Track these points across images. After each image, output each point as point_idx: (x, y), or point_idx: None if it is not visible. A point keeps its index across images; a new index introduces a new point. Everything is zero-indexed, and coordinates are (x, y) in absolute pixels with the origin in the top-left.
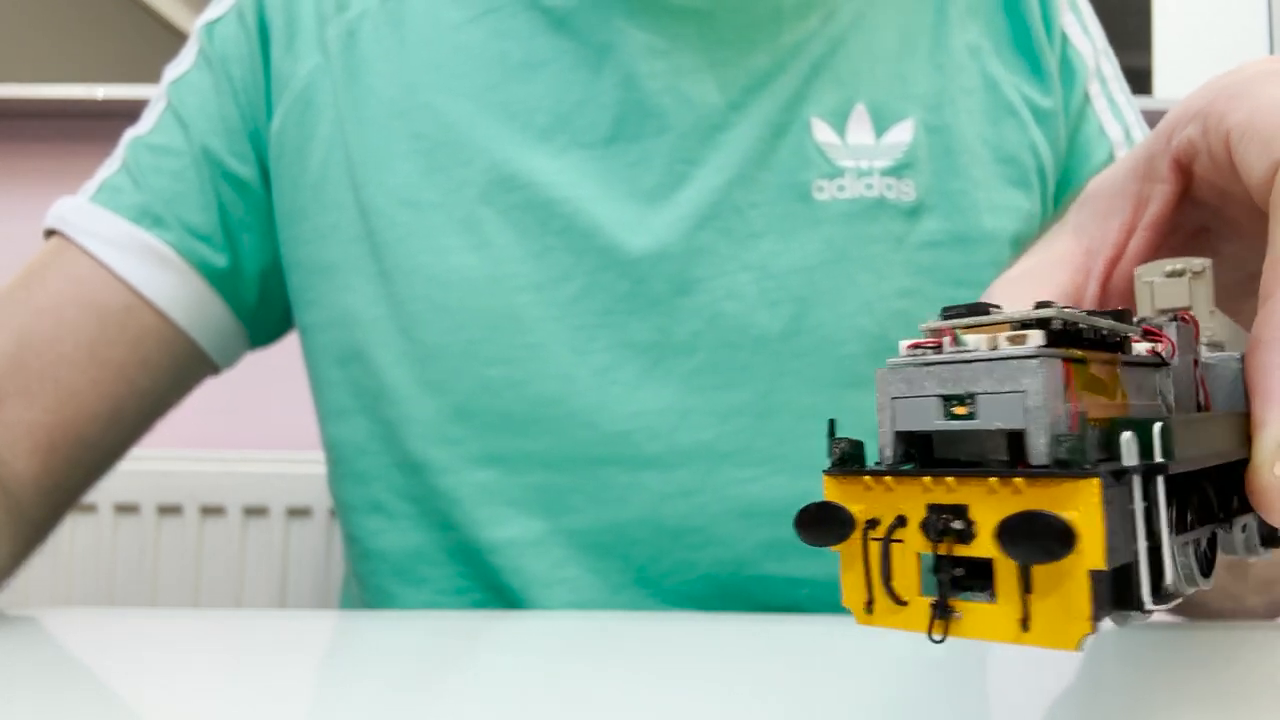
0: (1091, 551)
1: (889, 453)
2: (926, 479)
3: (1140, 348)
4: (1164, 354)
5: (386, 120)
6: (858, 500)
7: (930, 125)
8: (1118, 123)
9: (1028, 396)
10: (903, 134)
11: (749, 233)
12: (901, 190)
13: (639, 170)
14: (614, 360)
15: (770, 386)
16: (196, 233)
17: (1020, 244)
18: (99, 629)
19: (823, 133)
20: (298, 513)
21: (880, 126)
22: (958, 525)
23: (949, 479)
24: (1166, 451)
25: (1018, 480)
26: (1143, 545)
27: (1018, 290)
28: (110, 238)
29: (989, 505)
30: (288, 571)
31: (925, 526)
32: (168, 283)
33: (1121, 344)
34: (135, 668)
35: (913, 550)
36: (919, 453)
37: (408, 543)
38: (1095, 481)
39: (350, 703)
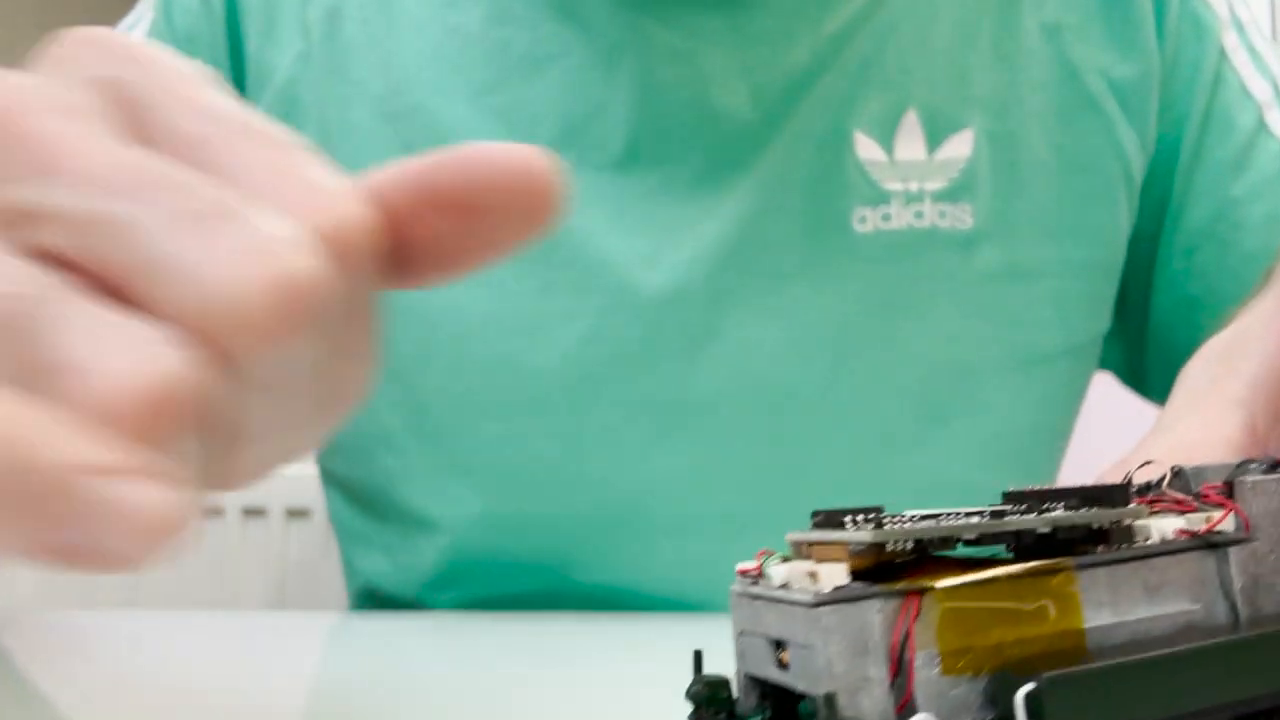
0: None
1: (741, 698)
2: None
3: (1167, 526)
4: (1228, 528)
5: (374, 126)
6: None
7: (993, 134)
8: (1263, 78)
9: (815, 653)
10: (960, 147)
11: (778, 273)
12: (956, 217)
13: (657, 199)
14: (622, 418)
15: (800, 450)
16: None
17: (1094, 271)
18: (96, 630)
19: (867, 149)
20: (296, 514)
21: (934, 138)
22: None
23: None
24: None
25: None
26: None
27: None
28: None
29: None
30: (286, 572)
31: None
32: None
33: (1104, 535)
34: (134, 669)
35: None
36: (775, 699)
37: (407, 588)
38: None
39: (350, 702)
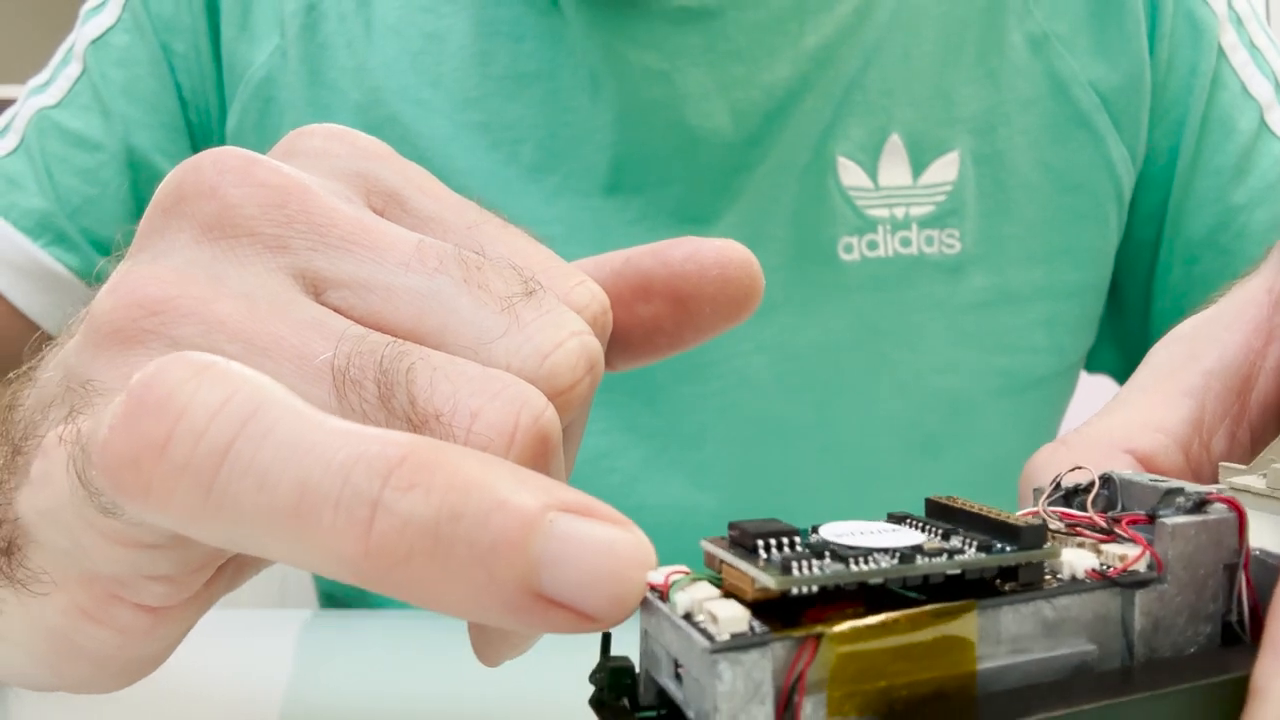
0: None
1: (641, 691)
2: None
3: (1079, 564)
4: (1140, 568)
5: None
6: None
7: (979, 155)
8: (1264, 77)
9: (705, 693)
10: (946, 170)
11: (766, 304)
12: (944, 243)
13: (641, 228)
14: (613, 445)
15: (789, 482)
16: (110, 252)
17: (1085, 293)
18: None
19: (851, 175)
20: None
21: (919, 162)
22: None
23: None
24: None
25: None
26: None
27: (1096, 455)
28: (1, 253)
29: None
30: (287, 571)
31: None
32: (75, 315)
33: (1014, 572)
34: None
35: None
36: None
37: (379, 600)
38: None
39: (351, 701)
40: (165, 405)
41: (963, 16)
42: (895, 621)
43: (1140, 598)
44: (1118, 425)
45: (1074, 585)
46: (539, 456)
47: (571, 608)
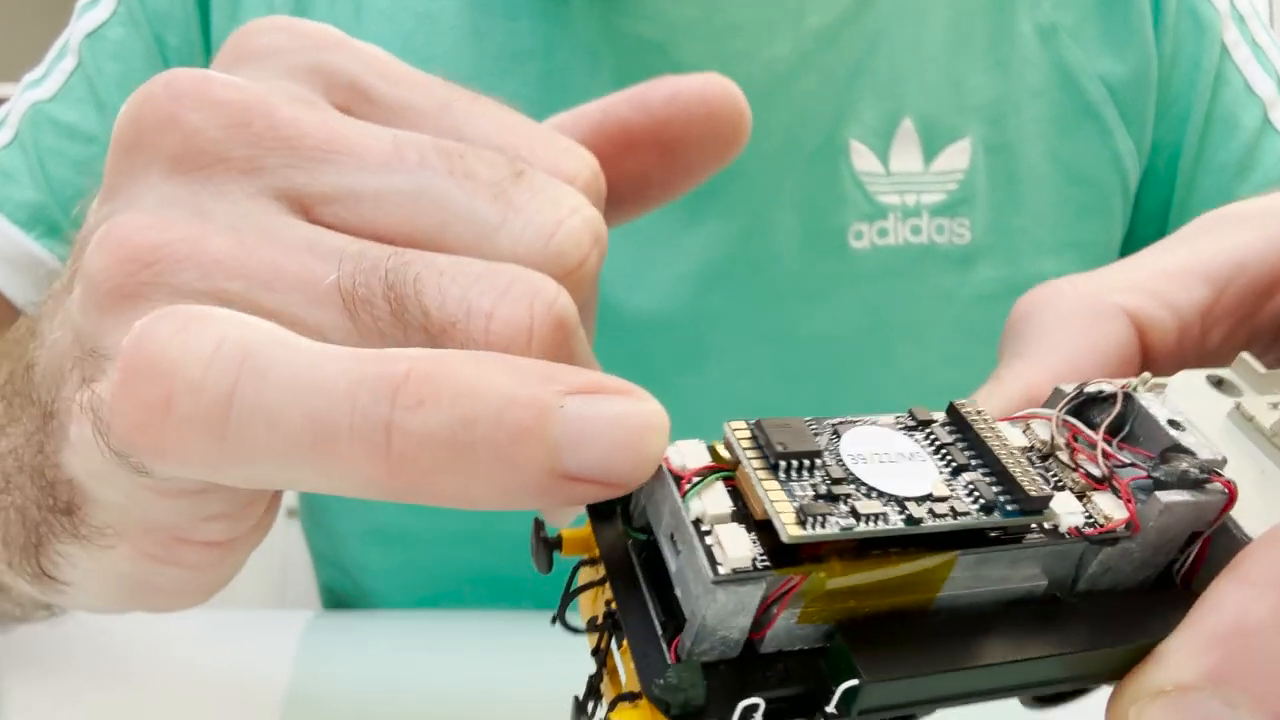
0: None
1: (634, 512)
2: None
3: (1066, 519)
4: (1118, 530)
5: None
6: (587, 549)
7: (990, 144)
8: (1267, 75)
9: (697, 602)
10: (958, 158)
11: (770, 293)
12: (954, 232)
13: None
14: None
15: None
16: None
17: None
18: (94, 630)
19: (864, 159)
20: (297, 513)
21: (931, 148)
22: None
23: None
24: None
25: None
26: None
27: (1091, 313)
28: None
29: (625, 660)
30: (287, 571)
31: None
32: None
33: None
34: (133, 668)
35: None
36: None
37: (389, 597)
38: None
39: (351, 702)
40: (157, 365)
41: (971, 5)
42: (882, 568)
43: (1105, 551)
44: (1127, 284)
45: (1053, 539)
46: (559, 344)
47: (597, 480)
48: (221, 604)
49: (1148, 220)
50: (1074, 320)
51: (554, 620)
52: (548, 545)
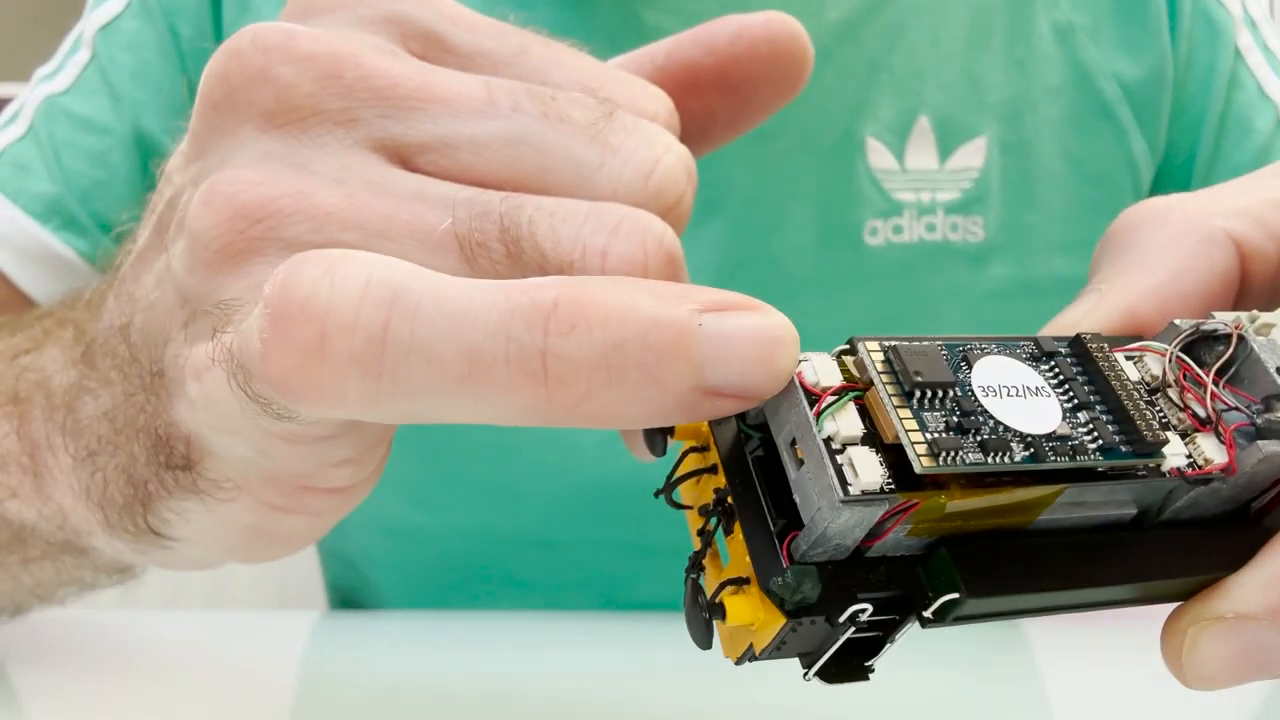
0: (759, 640)
1: (751, 412)
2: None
3: (1171, 460)
4: (1215, 472)
5: None
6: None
7: (1006, 142)
8: (1279, 78)
9: (820, 514)
10: (973, 156)
11: (786, 286)
12: (969, 230)
13: None
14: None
15: None
16: (120, 236)
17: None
18: (94, 630)
19: (880, 157)
20: None
21: (946, 146)
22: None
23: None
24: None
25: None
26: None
27: (1194, 237)
28: (9, 237)
29: (734, 547)
30: (287, 571)
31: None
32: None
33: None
34: (133, 669)
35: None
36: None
37: (396, 592)
38: (780, 620)
39: (350, 702)
40: (308, 308)
41: (989, 3)
42: (996, 495)
43: (1197, 489)
44: (1236, 209)
45: (1154, 476)
46: (672, 277)
47: (737, 394)
48: (221, 603)
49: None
50: (1181, 241)
51: (658, 494)
52: (662, 432)
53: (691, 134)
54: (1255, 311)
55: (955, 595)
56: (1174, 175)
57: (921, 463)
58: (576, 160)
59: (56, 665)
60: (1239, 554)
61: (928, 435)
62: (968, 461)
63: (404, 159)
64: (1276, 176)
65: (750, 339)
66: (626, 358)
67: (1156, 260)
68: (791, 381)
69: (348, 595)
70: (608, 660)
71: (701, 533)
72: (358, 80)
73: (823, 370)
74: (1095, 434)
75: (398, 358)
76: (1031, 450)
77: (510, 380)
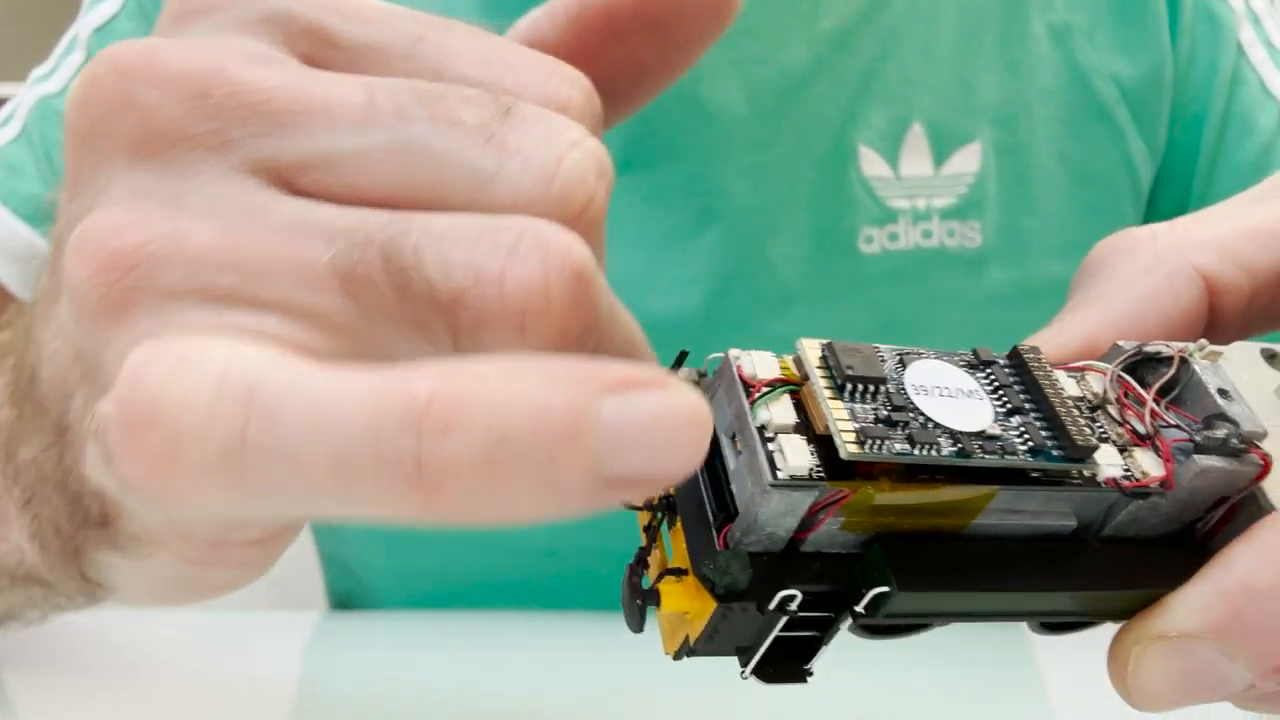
0: (694, 629)
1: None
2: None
3: (1106, 469)
4: (1152, 486)
5: None
6: None
7: (1001, 146)
8: None
9: (752, 500)
10: (968, 161)
11: (781, 295)
12: (965, 236)
13: (653, 206)
14: None
15: None
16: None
17: None
18: (93, 630)
19: (872, 164)
20: None
21: (940, 152)
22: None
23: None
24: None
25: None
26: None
27: (1166, 268)
28: (1, 240)
29: (676, 542)
30: (287, 571)
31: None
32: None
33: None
34: (133, 669)
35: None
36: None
37: (394, 598)
38: (712, 605)
39: (350, 702)
40: (157, 412)
41: (982, 6)
42: (926, 492)
43: (1136, 504)
44: (1210, 240)
45: (1089, 486)
46: (579, 296)
47: (645, 481)
48: (221, 604)
49: (1164, 220)
50: (1148, 276)
51: None
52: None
53: (623, 87)
54: (1204, 341)
55: (886, 589)
56: (1175, 175)
57: (848, 449)
58: (470, 168)
59: (55, 666)
60: (1182, 571)
61: (855, 424)
62: (894, 450)
63: (285, 180)
64: (1257, 202)
65: (655, 423)
66: (513, 455)
67: (1120, 294)
68: (732, 374)
69: (346, 600)
70: (607, 663)
71: (647, 528)
72: (227, 97)
73: (761, 364)
74: (1026, 436)
75: (258, 464)
76: (959, 446)
77: (381, 484)
